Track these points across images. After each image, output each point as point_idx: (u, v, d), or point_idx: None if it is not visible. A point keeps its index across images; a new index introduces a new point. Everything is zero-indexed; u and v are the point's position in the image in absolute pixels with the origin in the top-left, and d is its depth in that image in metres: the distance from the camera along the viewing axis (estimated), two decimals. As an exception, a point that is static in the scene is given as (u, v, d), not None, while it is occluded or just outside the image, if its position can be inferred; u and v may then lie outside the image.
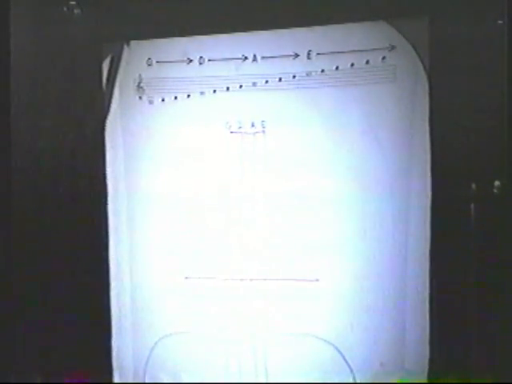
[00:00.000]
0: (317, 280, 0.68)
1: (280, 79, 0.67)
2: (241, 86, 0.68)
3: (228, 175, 0.69)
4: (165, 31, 0.69)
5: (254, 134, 0.68)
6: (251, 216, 0.69)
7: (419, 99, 0.64)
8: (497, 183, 0.62)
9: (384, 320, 0.66)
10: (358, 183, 0.66)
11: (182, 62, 0.70)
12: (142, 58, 0.71)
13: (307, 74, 0.66)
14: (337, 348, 0.67)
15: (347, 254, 0.67)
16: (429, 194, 0.64)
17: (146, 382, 0.73)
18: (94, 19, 0.72)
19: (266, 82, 0.67)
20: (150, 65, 0.71)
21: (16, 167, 0.73)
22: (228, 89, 0.69)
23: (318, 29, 0.65)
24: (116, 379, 0.74)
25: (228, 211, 0.69)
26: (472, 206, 0.63)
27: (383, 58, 0.64)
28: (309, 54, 0.66)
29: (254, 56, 0.67)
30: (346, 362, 0.67)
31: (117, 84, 0.72)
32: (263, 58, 0.67)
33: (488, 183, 0.62)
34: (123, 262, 0.73)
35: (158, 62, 0.70)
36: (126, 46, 0.71)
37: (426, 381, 0.65)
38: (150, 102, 0.71)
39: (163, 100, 0.71)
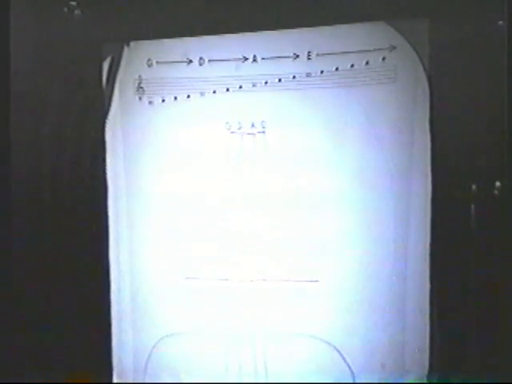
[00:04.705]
0: (317, 280, 0.68)
1: (280, 80, 0.67)
2: (241, 87, 0.68)
3: (228, 175, 0.69)
4: (165, 32, 0.69)
5: (254, 134, 0.68)
6: (251, 216, 0.69)
7: (419, 100, 0.64)
8: (497, 184, 0.62)
9: (384, 320, 0.66)
10: (358, 184, 0.66)
11: (182, 62, 0.70)
12: (142, 59, 0.71)
13: (307, 75, 0.66)
14: (337, 349, 0.67)
15: (347, 254, 0.67)
16: (429, 194, 0.64)
17: (146, 382, 0.73)
18: (94, 20, 0.72)
19: (266, 82, 0.67)
20: (150, 65, 0.71)
21: (16, 167, 0.73)
22: (228, 89, 0.69)
23: (318, 30, 0.65)
24: (116, 379, 0.74)
25: (228, 212, 0.69)
26: (472, 206, 0.62)
27: (383, 58, 0.64)
28: (309, 54, 0.66)
29: (254, 57, 0.67)
30: (346, 362, 0.67)
31: (117, 85, 0.72)
32: (263, 58, 0.67)
33: (489, 184, 0.62)
34: (123, 263, 0.73)
35: (158, 62, 0.70)
36: (125, 47, 0.71)
37: (426, 381, 0.65)
38: (150, 103, 0.71)
39: (163, 100, 0.71)
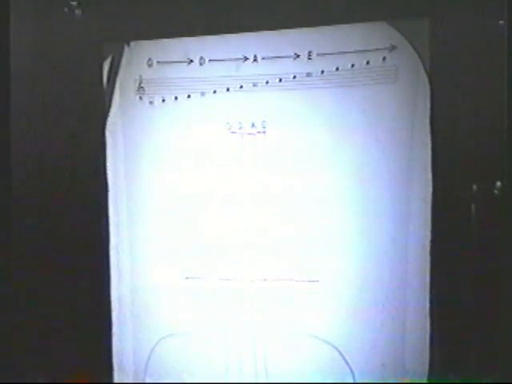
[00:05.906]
0: (317, 280, 0.68)
1: (280, 80, 0.67)
2: (241, 87, 0.68)
3: (228, 175, 0.69)
4: (165, 32, 0.69)
5: (255, 134, 0.68)
6: (251, 216, 0.69)
7: (420, 100, 0.64)
8: (498, 184, 0.62)
9: (384, 320, 0.66)
10: (358, 184, 0.66)
11: (183, 62, 0.70)
12: (142, 59, 0.71)
13: (308, 75, 0.66)
14: (337, 348, 0.67)
15: (347, 254, 0.67)
16: (429, 194, 0.64)
17: (146, 382, 0.73)
18: (94, 20, 0.72)
19: (267, 82, 0.67)
20: (150, 65, 0.71)
21: (16, 167, 0.73)
22: (228, 89, 0.69)
23: (318, 29, 0.65)
24: (116, 379, 0.74)
25: (228, 212, 0.69)
26: (473, 206, 0.63)
27: (384, 58, 0.64)
28: (309, 54, 0.66)
29: (255, 56, 0.67)
30: (347, 362, 0.67)
31: (117, 84, 0.72)
32: (264, 58, 0.67)
33: (489, 184, 0.62)
34: (123, 263, 0.73)
35: (158, 62, 0.70)
36: (126, 47, 0.71)
37: (426, 381, 0.65)
38: (151, 103, 0.71)
39: (164, 100, 0.71)
